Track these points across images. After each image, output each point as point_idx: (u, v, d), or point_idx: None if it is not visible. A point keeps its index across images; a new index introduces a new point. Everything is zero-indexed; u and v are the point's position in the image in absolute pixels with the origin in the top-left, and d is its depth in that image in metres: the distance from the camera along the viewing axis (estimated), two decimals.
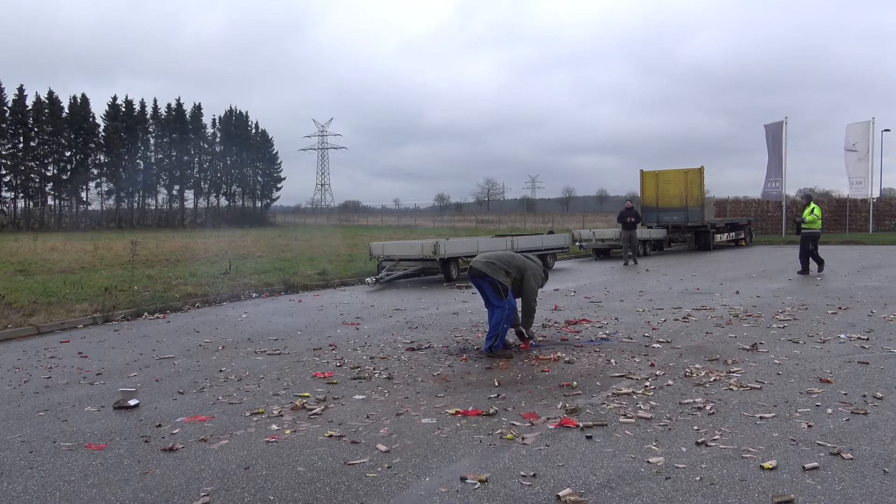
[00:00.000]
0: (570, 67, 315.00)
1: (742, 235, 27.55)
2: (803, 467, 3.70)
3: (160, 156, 70.11)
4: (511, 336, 7.37)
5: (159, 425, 4.77)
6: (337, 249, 23.74)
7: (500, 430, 4.44)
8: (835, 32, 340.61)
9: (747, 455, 3.90)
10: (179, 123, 69.38)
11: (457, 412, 4.85)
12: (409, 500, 3.46)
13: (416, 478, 3.72)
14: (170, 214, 70.15)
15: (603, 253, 22.69)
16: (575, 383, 5.58)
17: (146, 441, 4.44)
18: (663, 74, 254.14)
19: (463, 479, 3.66)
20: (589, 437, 4.26)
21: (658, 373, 5.87)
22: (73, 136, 63.41)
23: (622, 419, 4.61)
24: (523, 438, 4.28)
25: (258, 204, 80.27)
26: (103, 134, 65.09)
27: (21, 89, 60.23)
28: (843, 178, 32.43)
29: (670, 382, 5.53)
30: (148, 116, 68.25)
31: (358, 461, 3.98)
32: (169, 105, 69.62)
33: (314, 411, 4.98)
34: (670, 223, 25.15)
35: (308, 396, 5.42)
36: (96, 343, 8.17)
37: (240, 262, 17.71)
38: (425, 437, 4.37)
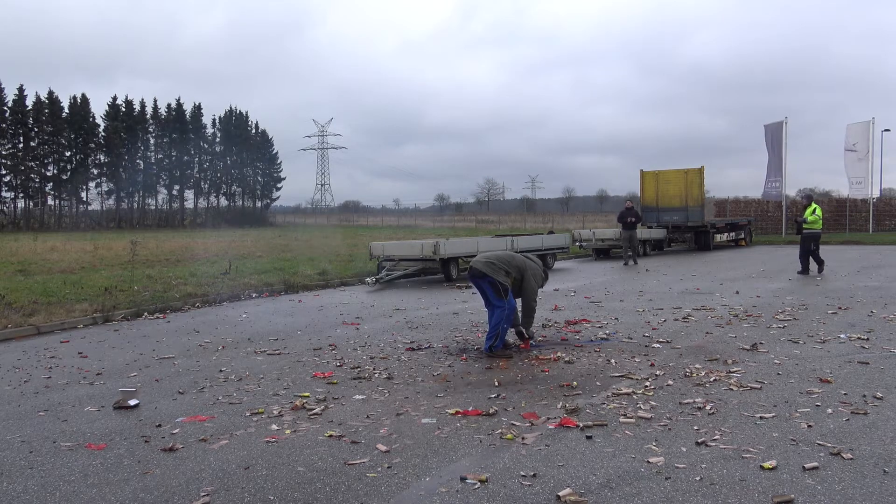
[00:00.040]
0: (570, 67, 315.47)
1: (742, 235, 27.55)
2: (803, 467, 3.70)
3: (160, 156, 70.13)
4: (511, 336, 7.37)
5: (159, 425, 4.77)
6: (337, 249, 23.74)
7: (500, 430, 4.44)
8: (835, 32, 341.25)
9: (747, 455, 3.90)
10: (179, 123, 69.37)
11: (457, 412, 4.85)
12: (409, 500, 3.46)
13: (416, 478, 3.72)
14: (170, 214, 70.15)
15: (603, 253, 22.69)
16: (575, 383, 5.58)
17: (146, 441, 4.44)
18: (663, 74, 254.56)
19: (463, 479, 3.66)
20: (589, 437, 4.26)
21: (658, 373, 5.87)
22: (73, 136, 63.40)
23: (622, 419, 4.61)
24: (523, 438, 4.28)
25: (258, 204, 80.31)
26: (103, 134, 65.09)
27: (21, 89, 60.30)
28: (843, 178, 32.46)
29: (670, 382, 5.54)
30: (148, 116, 68.24)
31: (358, 461, 3.98)
32: (169, 105, 69.70)
33: (314, 411, 4.98)
34: (670, 223, 25.15)
35: (308, 396, 5.42)
36: (96, 343, 8.17)
37: (240, 262, 17.71)
38: (425, 437, 4.37)
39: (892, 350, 6.64)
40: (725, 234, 26.85)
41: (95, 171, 65.65)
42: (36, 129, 61.71)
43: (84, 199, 66.16)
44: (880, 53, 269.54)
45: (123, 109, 66.41)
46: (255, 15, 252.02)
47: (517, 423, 4.58)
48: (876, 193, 35.69)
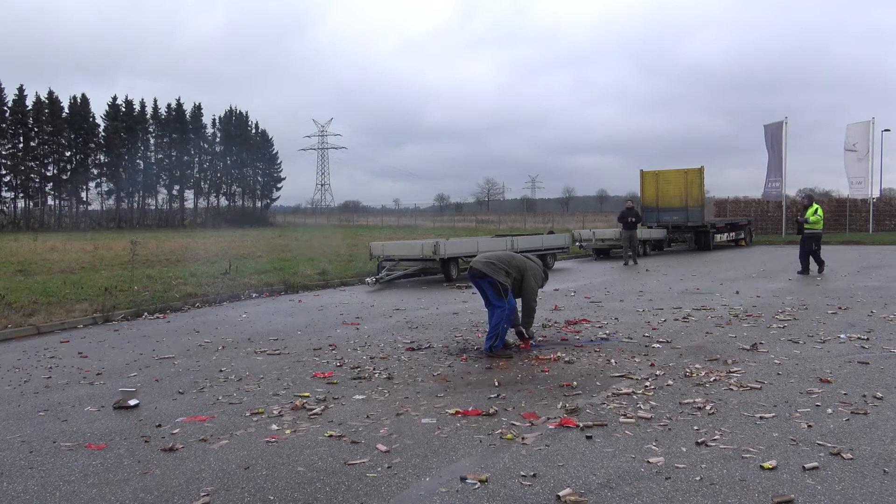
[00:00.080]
0: (570, 67, 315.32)
1: (742, 235, 27.55)
2: (803, 467, 3.70)
3: (160, 156, 70.16)
4: (511, 336, 7.37)
5: (159, 425, 4.77)
6: (337, 249, 23.74)
7: (500, 430, 4.44)
8: (835, 32, 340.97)
9: (747, 455, 3.90)
10: (179, 123, 69.40)
11: (457, 412, 4.85)
12: (409, 500, 3.46)
13: (416, 478, 3.72)
14: (170, 214, 70.17)
15: (603, 253, 22.70)
16: (575, 383, 5.58)
17: (146, 441, 4.44)
18: (663, 74, 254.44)
19: (463, 479, 3.66)
20: (589, 437, 4.26)
21: (658, 373, 5.87)
22: (73, 136, 63.42)
23: (622, 419, 4.61)
24: (523, 438, 4.28)
25: (258, 204, 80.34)
26: (103, 134, 65.12)
27: (21, 89, 60.35)
28: (843, 178, 32.47)
29: (670, 382, 5.54)
30: (148, 116, 68.28)
31: (358, 461, 3.98)
32: (169, 105, 69.75)
33: (314, 411, 4.98)
34: (670, 223, 25.16)
35: (308, 396, 5.42)
36: (96, 343, 8.17)
37: (240, 262, 17.71)
38: (425, 437, 4.37)
39: (892, 350, 6.64)
40: (725, 234, 26.86)
41: (95, 171, 65.69)
42: (36, 129, 61.74)
43: (84, 199, 66.24)
44: (880, 53, 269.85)
45: (123, 109, 66.44)
46: (255, 15, 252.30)
47: (517, 423, 4.58)
48: (876, 193, 35.72)
